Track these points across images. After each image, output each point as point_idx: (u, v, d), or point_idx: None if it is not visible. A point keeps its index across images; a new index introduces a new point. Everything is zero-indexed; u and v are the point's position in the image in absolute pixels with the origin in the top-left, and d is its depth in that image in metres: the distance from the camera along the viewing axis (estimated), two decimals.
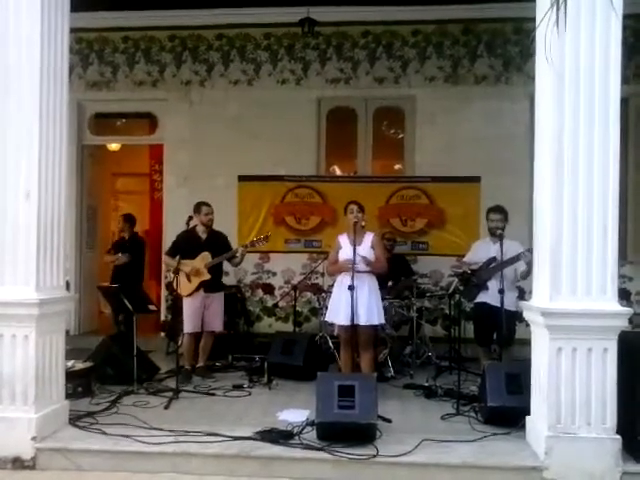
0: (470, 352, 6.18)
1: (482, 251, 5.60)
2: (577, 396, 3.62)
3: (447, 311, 6.95)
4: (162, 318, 7.85)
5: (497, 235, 5.26)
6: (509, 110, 7.31)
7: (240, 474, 3.75)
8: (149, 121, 8.34)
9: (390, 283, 6.22)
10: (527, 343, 4.09)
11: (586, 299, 3.62)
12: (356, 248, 4.96)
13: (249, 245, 5.94)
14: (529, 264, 4.82)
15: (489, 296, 5.40)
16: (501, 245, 5.07)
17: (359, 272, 4.98)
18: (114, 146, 9.04)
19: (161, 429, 4.10)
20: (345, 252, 5.12)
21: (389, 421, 4.35)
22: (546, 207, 3.76)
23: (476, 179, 7.44)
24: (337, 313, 5.07)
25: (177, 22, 7.80)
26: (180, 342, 6.07)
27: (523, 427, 4.05)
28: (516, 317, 5.13)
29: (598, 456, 3.55)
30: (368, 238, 5.19)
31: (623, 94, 3.72)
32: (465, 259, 5.90)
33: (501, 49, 7.55)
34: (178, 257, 5.63)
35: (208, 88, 7.92)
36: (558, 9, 2.32)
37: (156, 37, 7.98)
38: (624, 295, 6.71)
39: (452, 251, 7.44)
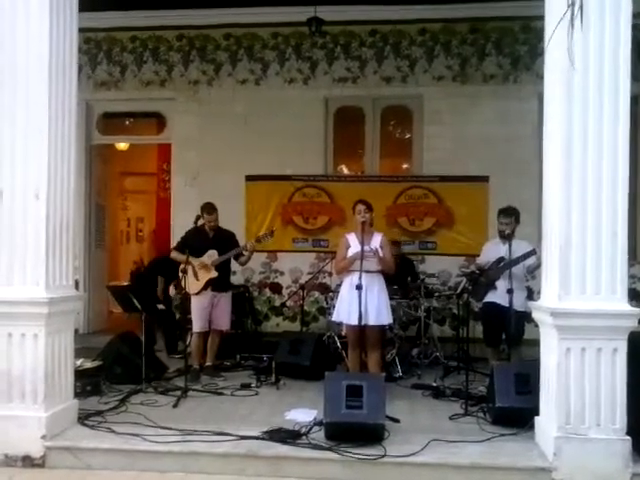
0: (478, 352, 6.16)
1: (492, 252, 5.57)
2: (586, 397, 3.60)
3: (455, 311, 6.94)
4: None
5: (505, 237, 5.24)
6: (518, 109, 7.28)
7: (248, 473, 3.76)
8: (157, 121, 8.36)
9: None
10: (536, 343, 4.07)
11: (595, 299, 3.60)
12: (364, 256, 4.94)
13: (254, 241, 5.93)
14: (539, 258, 4.76)
15: (498, 296, 5.37)
16: (510, 245, 5.06)
17: (369, 272, 4.98)
18: (122, 146, 9.10)
19: (170, 428, 4.10)
20: (354, 250, 5.10)
21: (397, 421, 4.34)
22: (555, 206, 3.74)
23: (484, 178, 7.42)
24: (346, 313, 5.06)
25: (185, 22, 7.82)
26: (188, 341, 6.09)
27: (532, 428, 4.02)
28: (525, 317, 5.10)
29: (607, 457, 3.53)
30: (377, 238, 5.18)
31: (632, 92, 3.70)
32: (477, 261, 5.87)
33: (509, 48, 7.53)
34: (187, 252, 5.63)
35: (216, 88, 7.94)
36: (574, 14, 2.31)
37: (164, 37, 8.00)
38: (634, 295, 6.64)
39: (460, 251, 7.44)
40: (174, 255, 6.11)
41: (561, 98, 3.68)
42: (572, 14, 2.27)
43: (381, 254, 5.06)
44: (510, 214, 5.48)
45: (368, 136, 7.96)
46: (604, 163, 3.61)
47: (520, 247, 5.20)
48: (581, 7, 2.33)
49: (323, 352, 6.07)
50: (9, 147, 3.96)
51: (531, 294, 5.74)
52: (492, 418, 4.38)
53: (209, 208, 5.91)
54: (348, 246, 5.19)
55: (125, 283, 6.89)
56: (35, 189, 3.94)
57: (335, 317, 5.31)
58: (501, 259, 5.35)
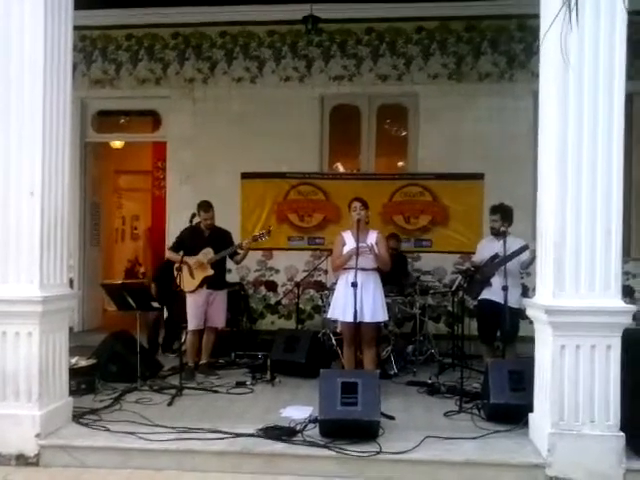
0: (473, 349, 6.18)
1: (486, 249, 5.58)
2: (580, 393, 3.61)
3: (450, 308, 6.94)
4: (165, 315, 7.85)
5: (500, 233, 5.26)
6: (513, 107, 7.30)
7: (243, 471, 3.76)
8: (152, 119, 8.35)
9: None
10: (531, 340, 4.08)
11: (589, 296, 3.61)
12: (360, 252, 4.95)
13: (251, 240, 5.92)
14: (533, 252, 4.76)
15: (492, 293, 5.39)
16: (504, 242, 5.07)
17: (365, 269, 5.00)
18: (117, 144, 9.07)
19: (164, 426, 4.10)
20: (349, 248, 5.11)
21: (392, 418, 4.35)
22: (549, 204, 3.75)
23: (480, 176, 7.44)
24: (342, 310, 5.07)
25: (180, 20, 7.80)
26: (183, 339, 6.08)
27: (526, 424, 4.04)
28: (519, 314, 5.12)
29: (601, 453, 3.55)
30: (372, 236, 5.18)
31: (627, 91, 3.71)
32: (473, 259, 5.88)
33: (505, 46, 7.54)
34: (182, 253, 5.64)
35: (211, 86, 7.93)
36: (570, 9, 2.31)
37: (159, 35, 7.99)
38: (627, 292, 6.66)
39: (456, 248, 7.46)
40: (169, 255, 6.12)
41: (556, 96, 3.68)
42: (569, 10, 2.26)
43: (376, 250, 5.07)
44: (495, 211, 5.53)
45: (364, 134, 7.96)
46: (599, 161, 3.62)
47: (514, 244, 5.21)
48: (576, 4, 2.32)
49: (318, 350, 6.08)
50: (3, 144, 3.95)
51: (526, 291, 5.76)
52: (487, 415, 4.39)
53: (205, 206, 5.90)
54: (344, 244, 5.19)
55: (119, 281, 6.86)
56: (29, 186, 3.93)
57: (330, 314, 5.33)
58: (495, 256, 5.36)
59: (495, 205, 5.62)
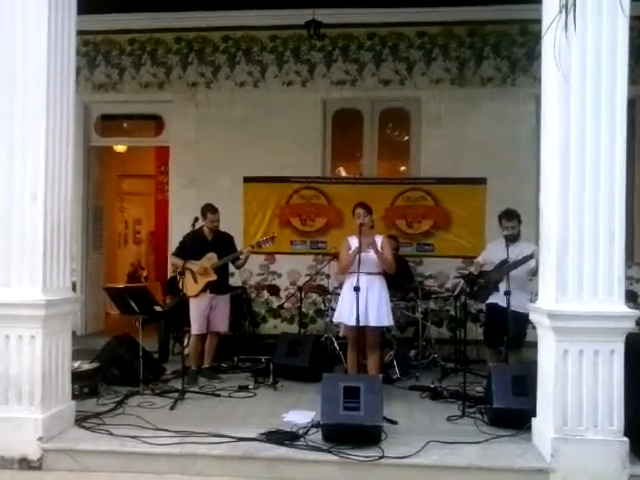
0: (476, 354, 6.16)
1: (497, 252, 5.48)
2: (584, 398, 3.61)
3: (453, 313, 6.94)
4: None
5: (511, 239, 5.22)
6: (515, 112, 7.29)
7: (246, 475, 3.76)
8: (155, 123, 8.36)
9: None
10: (534, 345, 4.07)
11: (593, 301, 3.61)
12: (362, 249, 4.97)
13: (255, 245, 5.94)
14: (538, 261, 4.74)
15: (500, 297, 5.35)
16: (507, 247, 5.06)
17: (370, 273, 5.03)
18: (120, 148, 9.08)
19: (167, 430, 4.10)
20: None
21: (395, 423, 4.35)
22: (552, 208, 3.75)
23: (482, 180, 7.43)
24: (347, 314, 5.08)
25: (183, 24, 7.81)
26: (186, 343, 6.08)
27: (529, 429, 4.04)
28: (527, 320, 5.09)
29: (605, 458, 3.54)
30: (377, 240, 5.20)
31: (630, 95, 3.72)
32: (479, 258, 5.84)
33: (507, 51, 7.54)
34: (184, 259, 5.66)
35: (214, 90, 7.94)
36: (567, 13, 2.30)
37: (162, 39, 8.00)
38: (631, 297, 6.68)
39: (458, 253, 7.45)
40: (173, 261, 6.13)
41: (558, 101, 3.69)
42: (566, 20, 2.25)
43: (379, 247, 5.08)
44: (513, 216, 5.42)
45: (366, 138, 7.96)
46: (601, 166, 3.63)
47: (527, 249, 5.15)
48: (574, 8, 2.32)
49: (321, 354, 6.08)
50: (7, 148, 3.96)
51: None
52: (490, 419, 4.39)
53: (212, 208, 5.93)
54: (349, 248, 5.24)
55: (122, 285, 6.87)
56: (32, 191, 3.94)
57: (336, 318, 5.38)
58: (505, 261, 5.32)
59: (506, 211, 5.49)
